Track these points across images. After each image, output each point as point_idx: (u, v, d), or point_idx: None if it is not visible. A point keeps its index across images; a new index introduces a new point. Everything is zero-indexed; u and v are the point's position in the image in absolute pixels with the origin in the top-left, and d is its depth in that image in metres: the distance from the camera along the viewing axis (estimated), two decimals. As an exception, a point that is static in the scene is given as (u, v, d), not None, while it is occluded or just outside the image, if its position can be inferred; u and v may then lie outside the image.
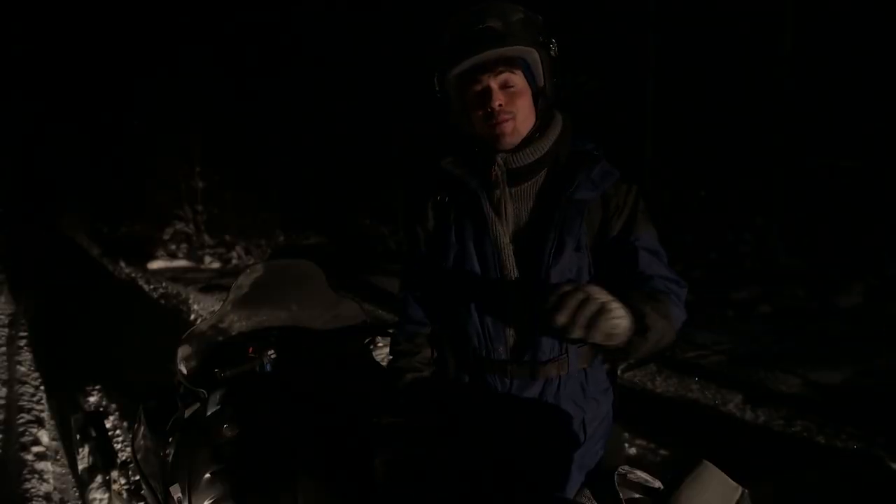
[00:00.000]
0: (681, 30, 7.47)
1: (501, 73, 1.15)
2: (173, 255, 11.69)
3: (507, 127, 1.17)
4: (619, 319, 0.96)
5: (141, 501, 2.13)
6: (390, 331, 1.71)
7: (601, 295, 0.95)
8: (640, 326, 1.02)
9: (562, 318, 0.91)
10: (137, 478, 2.09)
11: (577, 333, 0.92)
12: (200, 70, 12.64)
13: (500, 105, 1.16)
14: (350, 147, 12.33)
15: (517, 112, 1.18)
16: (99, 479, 2.48)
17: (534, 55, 1.16)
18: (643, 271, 1.15)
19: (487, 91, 1.16)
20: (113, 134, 14.59)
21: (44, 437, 3.29)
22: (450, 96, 1.23)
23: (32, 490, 2.69)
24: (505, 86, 1.16)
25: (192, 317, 5.97)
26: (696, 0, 7.27)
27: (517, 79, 1.17)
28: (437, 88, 1.24)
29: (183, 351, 1.73)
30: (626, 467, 1.02)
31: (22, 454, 3.05)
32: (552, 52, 1.19)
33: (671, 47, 7.60)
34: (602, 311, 0.93)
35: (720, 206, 7.30)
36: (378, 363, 1.91)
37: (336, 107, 12.34)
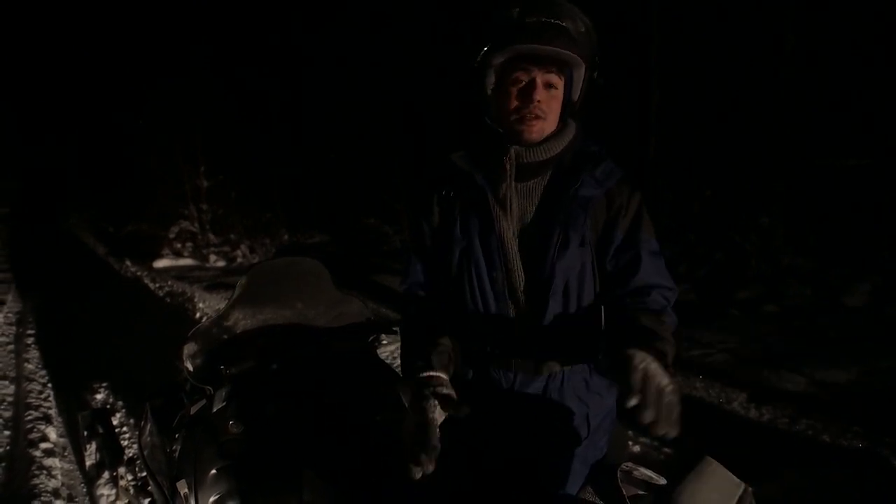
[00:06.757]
0: (684, 29, 7.45)
1: (550, 72, 1.16)
2: (179, 254, 11.73)
3: (536, 125, 1.18)
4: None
5: (147, 497, 2.15)
6: (394, 329, 1.73)
7: (663, 374, 0.91)
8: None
9: (649, 417, 0.86)
10: (144, 474, 2.10)
11: (668, 432, 0.87)
12: (205, 70, 12.67)
13: (539, 101, 1.16)
14: (354, 146, 12.34)
15: (549, 114, 1.19)
16: (106, 475, 2.50)
17: (581, 70, 1.18)
18: (645, 280, 1.17)
19: (532, 84, 1.16)
20: (118, 134, 14.65)
21: (51, 433, 3.32)
22: (485, 73, 1.19)
23: (40, 486, 2.71)
24: (548, 85, 1.17)
25: (198, 315, 5.99)
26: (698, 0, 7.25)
27: (560, 84, 1.18)
28: (478, 60, 1.18)
29: (189, 348, 1.74)
30: (630, 464, 1.03)
31: (30, 450, 3.07)
32: (595, 75, 1.21)
33: (674, 46, 7.58)
34: (677, 401, 0.88)
35: (725, 206, 7.28)
36: (382, 361, 1.92)
37: (340, 105, 12.35)
